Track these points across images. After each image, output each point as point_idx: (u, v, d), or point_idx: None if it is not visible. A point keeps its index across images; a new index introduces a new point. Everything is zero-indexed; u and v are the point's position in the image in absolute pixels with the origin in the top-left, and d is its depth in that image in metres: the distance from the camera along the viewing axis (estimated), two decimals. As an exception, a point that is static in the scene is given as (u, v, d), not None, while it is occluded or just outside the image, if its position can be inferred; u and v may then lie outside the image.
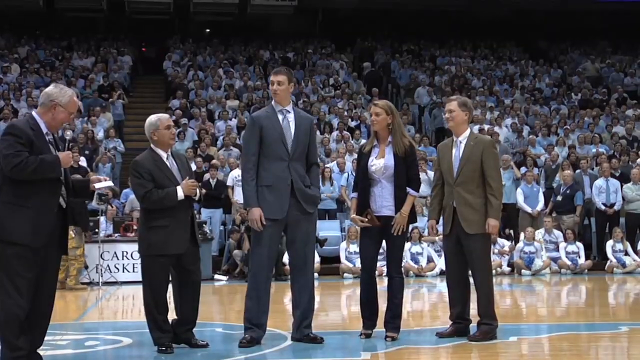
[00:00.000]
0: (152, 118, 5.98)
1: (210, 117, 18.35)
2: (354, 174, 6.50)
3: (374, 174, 6.08)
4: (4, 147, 4.72)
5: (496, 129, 17.22)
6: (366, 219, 6.05)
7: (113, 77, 20.45)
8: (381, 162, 6.06)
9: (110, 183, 5.75)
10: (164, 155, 5.91)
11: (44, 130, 4.89)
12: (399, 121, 6.20)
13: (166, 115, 6.14)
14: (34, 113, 4.96)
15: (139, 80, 22.84)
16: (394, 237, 6.03)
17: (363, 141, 13.75)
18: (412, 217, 6.11)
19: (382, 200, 6.05)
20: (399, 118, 6.23)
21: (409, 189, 6.04)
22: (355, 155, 13.46)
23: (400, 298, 6.13)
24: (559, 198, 13.96)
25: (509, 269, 13.12)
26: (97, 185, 5.32)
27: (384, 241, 6.18)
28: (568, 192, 13.95)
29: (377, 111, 6.11)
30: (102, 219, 12.30)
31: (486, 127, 17.12)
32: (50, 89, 4.99)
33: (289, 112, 6.12)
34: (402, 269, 12.77)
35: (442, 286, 10.22)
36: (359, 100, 19.71)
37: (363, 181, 6.14)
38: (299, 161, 6.06)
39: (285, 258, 11.06)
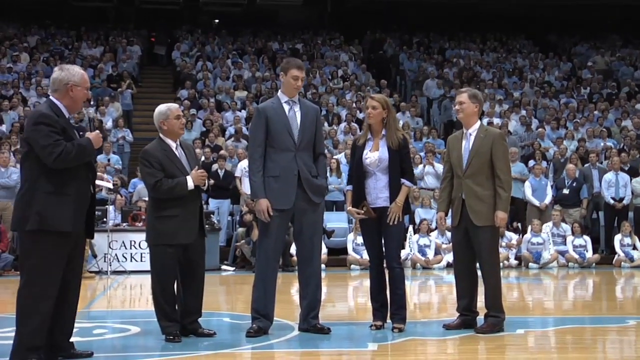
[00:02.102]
0: (162, 107, 5.99)
1: (218, 107, 18.37)
2: (349, 167, 6.54)
3: (368, 166, 6.12)
4: (40, 137, 4.69)
5: (505, 121, 17.18)
6: (362, 211, 6.08)
7: (122, 67, 20.47)
8: (375, 154, 6.10)
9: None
10: (173, 145, 5.93)
11: (66, 114, 4.91)
12: (394, 116, 6.30)
13: (176, 105, 6.16)
14: (52, 99, 4.93)
15: (148, 70, 22.85)
16: (390, 228, 6.05)
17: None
18: (406, 209, 6.14)
19: (377, 192, 6.09)
20: (394, 113, 6.32)
21: (403, 180, 6.08)
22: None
23: (402, 289, 6.14)
24: (566, 191, 13.94)
25: (516, 262, 13.11)
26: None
27: None
28: (574, 185, 13.94)
29: (373, 104, 6.14)
30: (110, 208, 12.34)
31: (495, 120, 17.08)
32: (59, 73, 4.94)
33: (295, 102, 6.13)
34: (409, 261, 12.88)
35: (449, 278, 10.23)
36: (367, 92, 19.68)
37: (357, 174, 6.18)
38: (306, 151, 6.07)
39: (293, 249, 11.08)
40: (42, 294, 4.72)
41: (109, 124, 16.85)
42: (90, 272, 11.50)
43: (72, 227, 4.79)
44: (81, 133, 5.07)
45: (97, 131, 5.07)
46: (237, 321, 6.85)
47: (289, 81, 6.10)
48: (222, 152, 14.90)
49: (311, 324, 6.03)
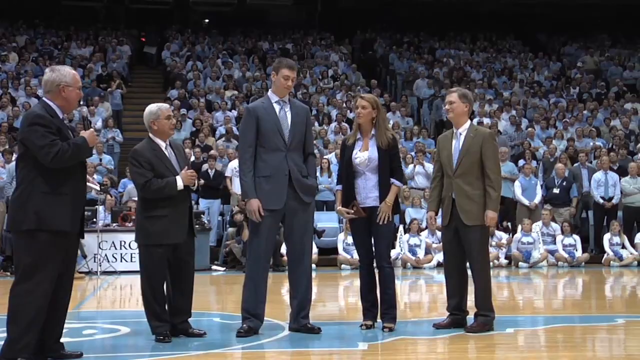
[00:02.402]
0: (153, 107, 5.97)
1: (208, 107, 18.34)
2: (338, 167, 6.55)
3: (358, 166, 6.13)
4: (37, 138, 4.72)
5: (495, 121, 17.22)
6: (352, 211, 6.09)
7: (112, 67, 20.41)
8: (365, 154, 6.11)
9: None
10: (162, 144, 5.92)
11: (60, 115, 4.94)
12: (384, 116, 6.31)
13: (166, 105, 6.15)
14: (46, 100, 4.96)
15: (138, 70, 22.79)
16: (380, 227, 6.06)
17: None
18: (396, 208, 6.16)
19: (367, 191, 6.10)
20: (383, 113, 6.33)
21: (393, 180, 6.10)
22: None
23: (393, 288, 6.15)
24: (555, 191, 13.99)
25: (506, 261, 13.14)
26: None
27: None
28: (564, 184, 13.99)
29: (363, 104, 6.15)
30: (100, 208, 12.30)
31: (485, 120, 17.11)
32: (50, 75, 4.97)
33: (286, 102, 6.13)
34: (399, 260, 12.89)
35: (439, 278, 10.26)
36: (357, 92, 19.69)
37: (347, 173, 6.19)
38: (297, 151, 6.07)
39: (283, 249, 11.07)
40: (36, 292, 4.72)
41: (98, 124, 16.78)
42: (80, 272, 11.45)
43: (70, 226, 4.83)
44: (74, 133, 5.08)
45: (92, 129, 5.08)
46: (227, 321, 6.84)
47: (279, 80, 6.09)
48: (212, 152, 14.88)
49: (301, 323, 6.03)
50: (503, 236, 13.35)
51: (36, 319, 4.75)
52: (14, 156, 13.41)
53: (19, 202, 4.81)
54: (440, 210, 6.37)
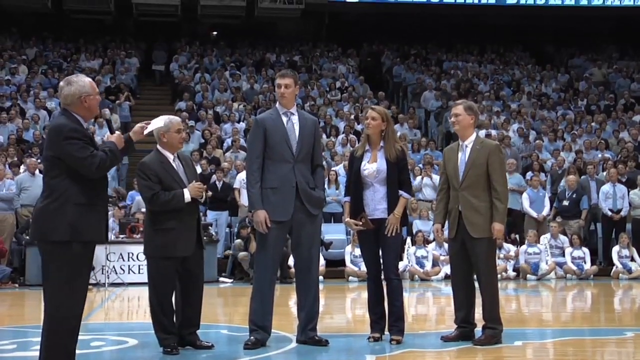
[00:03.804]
0: (164, 119, 5.96)
1: (217, 119, 18.39)
2: (346, 178, 6.56)
3: (366, 177, 6.13)
4: (76, 150, 4.69)
5: (502, 133, 17.21)
6: (360, 223, 6.09)
7: (120, 79, 20.51)
8: (374, 166, 6.12)
9: (161, 123, 5.84)
10: (170, 157, 5.94)
11: (84, 125, 4.93)
12: (393, 128, 6.32)
13: (178, 119, 6.15)
14: (69, 111, 4.90)
15: (146, 82, 22.88)
16: (388, 239, 6.06)
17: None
18: (404, 220, 6.17)
19: (375, 203, 6.11)
20: (392, 125, 6.34)
21: (401, 192, 6.10)
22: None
23: (400, 300, 6.14)
24: (565, 203, 13.95)
25: (514, 273, 13.10)
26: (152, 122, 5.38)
27: None
28: (574, 196, 13.94)
29: (374, 116, 6.16)
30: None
31: (493, 132, 17.09)
32: (69, 88, 4.87)
33: (294, 114, 6.15)
34: (407, 272, 12.85)
35: (447, 290, 10.23)
36: (365, 103, 19.72)
37: (355, 185, 6.20)
38: (304, 163, 6.09)
39: (291, 261, 11.08)
40: (76, 301, 4.76)
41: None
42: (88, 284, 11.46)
43: (100, 237, 4.81)
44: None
45: (118, 132, 5.09)
46: (235, 333, 6.85)
47: (277, 91, 6.16)
48: (224, 164, 14.94)
49: (309, 335, 6.03)
50: (511, 248, 13.31)
51: (77, 327, 4.81)
52: (22, 168, 13.50)
53: (48, 212, 4.70)
54: (447, 222, 6.37)
